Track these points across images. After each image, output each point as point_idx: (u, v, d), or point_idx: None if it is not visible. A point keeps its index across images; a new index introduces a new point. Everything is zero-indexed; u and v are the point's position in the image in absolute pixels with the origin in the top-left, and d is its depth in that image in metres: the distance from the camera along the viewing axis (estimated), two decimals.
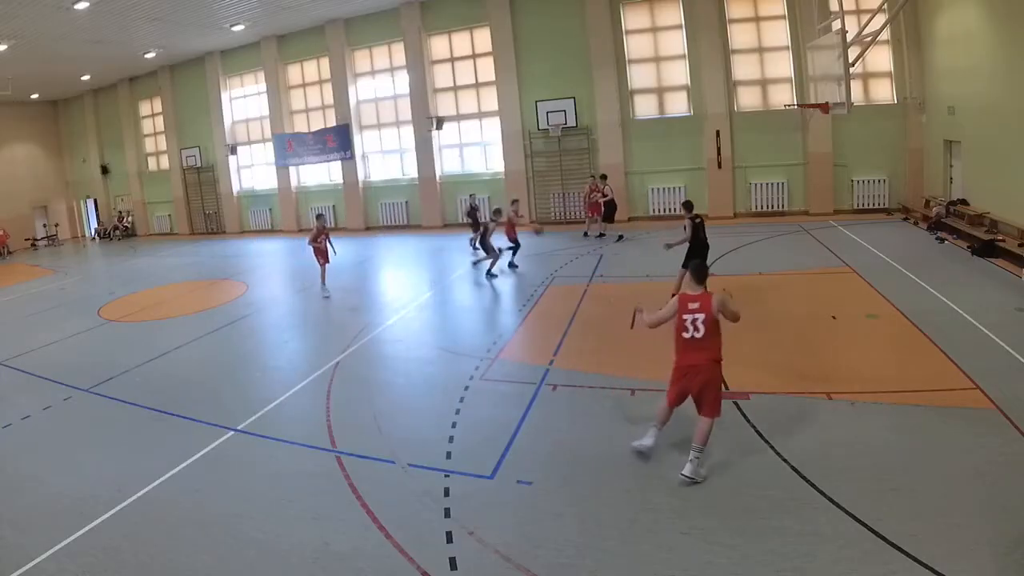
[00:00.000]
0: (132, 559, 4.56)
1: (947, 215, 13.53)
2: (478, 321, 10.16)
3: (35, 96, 27.19)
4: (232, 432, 6.60)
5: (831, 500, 4.51)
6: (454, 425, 6.34)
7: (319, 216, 13.33)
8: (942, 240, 12.78)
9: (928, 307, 8.67)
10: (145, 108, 27.28)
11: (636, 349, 8.27)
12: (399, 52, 20.72)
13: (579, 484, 5.10)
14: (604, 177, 16.50)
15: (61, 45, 18.70)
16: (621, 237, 15.85)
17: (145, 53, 22.19)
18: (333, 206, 22.84)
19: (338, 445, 6.14)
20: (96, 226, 29.70)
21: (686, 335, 5.00)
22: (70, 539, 4.81)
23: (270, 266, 18.05)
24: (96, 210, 30.01)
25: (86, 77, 24.66)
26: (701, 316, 4.94)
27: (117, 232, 28.15)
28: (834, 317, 8.43)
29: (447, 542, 4.45)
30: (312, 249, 12.86)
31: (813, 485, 4.71)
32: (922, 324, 7.99)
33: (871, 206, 16.53)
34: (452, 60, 20.35)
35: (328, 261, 12.86)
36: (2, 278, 19.40)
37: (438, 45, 20.45)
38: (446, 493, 5.09)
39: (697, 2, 17.06)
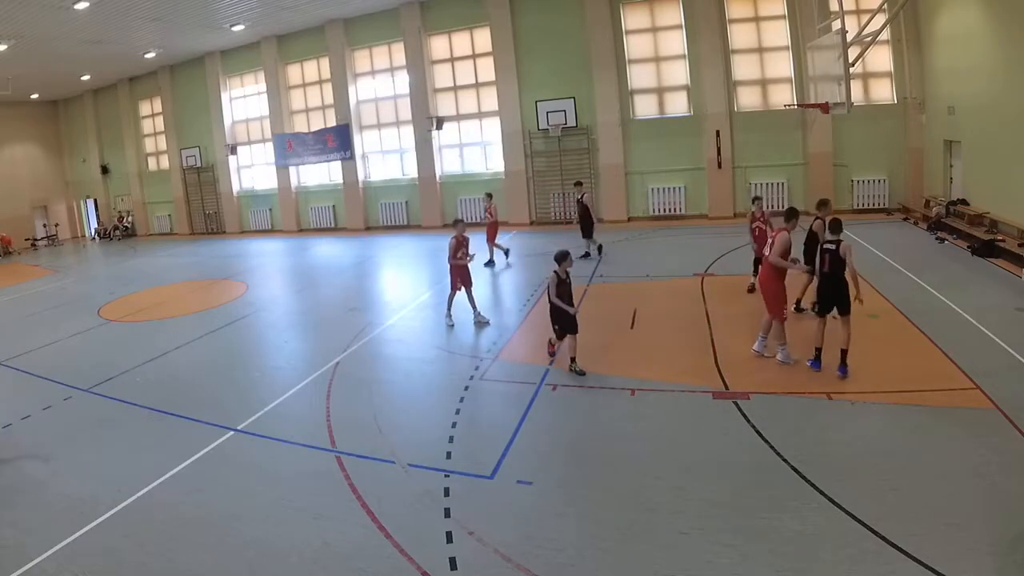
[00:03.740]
0: (132, 559, 4.56)
1: (947, 215, 13.52)
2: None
3: (35, 96, 27.19)
4: (232, 432, 6.60)
5: (831, 500, 4.51)
6: (454, 425, 6.35)
7: (457, 221, 9.65)
8: (942, 240, 12.77)
9: (928, 307, 8.68)
10: (145, 108, 27.28)
11: (636, 349, 8.30)
12: (399, 52, 20.73)
13: (579, 484, 5.10)
14: (579, 184, 14.33)
15: (61, 45, 18.69)
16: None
17: (145, 53, 22.19)
18: (333, 206, 22.79)
19: (338, 445, 6.14)
20: (96, 226, 29.70)
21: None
22: (70, 539, 4.81)
23: (270, 266, 18.02)
24: (96, 210, 30.02)
25: (86, 77, 24.67)
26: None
27: (117, 232, 28.15)
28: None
29: (447, 542, 4.46)
30: (450, 268, 9.59)
31: (813, 485, 4.71)
32: (922, 324, 8.00)
33: (871, 206, 16.54)
34: (452, 60, 20.35)
35: (471, 282, 9.68)
36: (2, 278, 19.39)
37: (438, 45, 20.45)
38: (446, 493, 5.09)
39: (697, 2, 17.07)
